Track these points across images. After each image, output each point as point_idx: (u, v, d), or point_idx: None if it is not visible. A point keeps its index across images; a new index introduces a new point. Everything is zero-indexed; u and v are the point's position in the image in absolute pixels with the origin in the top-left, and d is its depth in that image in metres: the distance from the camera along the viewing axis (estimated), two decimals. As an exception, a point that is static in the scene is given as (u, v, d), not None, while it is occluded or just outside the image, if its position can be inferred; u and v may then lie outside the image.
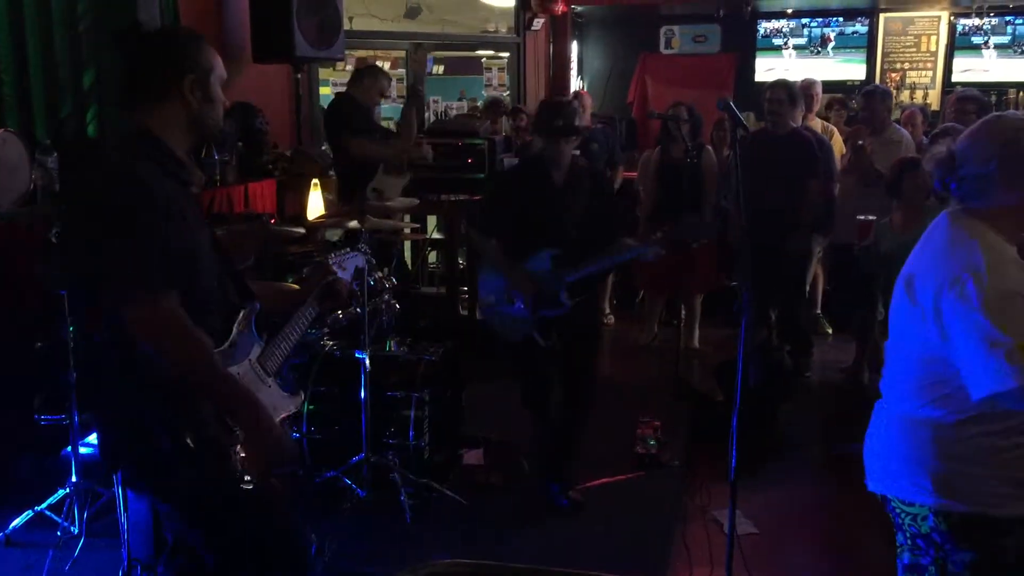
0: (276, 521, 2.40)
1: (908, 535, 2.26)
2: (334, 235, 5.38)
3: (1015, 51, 9.04)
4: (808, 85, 6.75)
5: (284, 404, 2.50)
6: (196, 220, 2.28)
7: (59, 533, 3.71)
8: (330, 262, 2.77)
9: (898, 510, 2.29)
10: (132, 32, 2.30)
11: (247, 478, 2.23)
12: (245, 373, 2.35)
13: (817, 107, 7.01)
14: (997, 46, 9.06)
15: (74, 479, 3.79)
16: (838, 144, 6.61)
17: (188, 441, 2.16)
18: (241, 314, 2.37)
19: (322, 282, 2.69)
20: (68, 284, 2.25)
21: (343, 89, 6.12)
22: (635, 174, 6.93)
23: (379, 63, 11.14)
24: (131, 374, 2.17)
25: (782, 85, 6.03)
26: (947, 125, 5.63)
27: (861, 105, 6.02)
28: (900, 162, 4.92)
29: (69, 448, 3.81)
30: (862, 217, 4.93)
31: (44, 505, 3.80)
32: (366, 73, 5.88)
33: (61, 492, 3.81)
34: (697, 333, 6.68)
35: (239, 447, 2.23)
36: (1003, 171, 2.13)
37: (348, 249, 2.97)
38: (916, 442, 2.22)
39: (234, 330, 2.33)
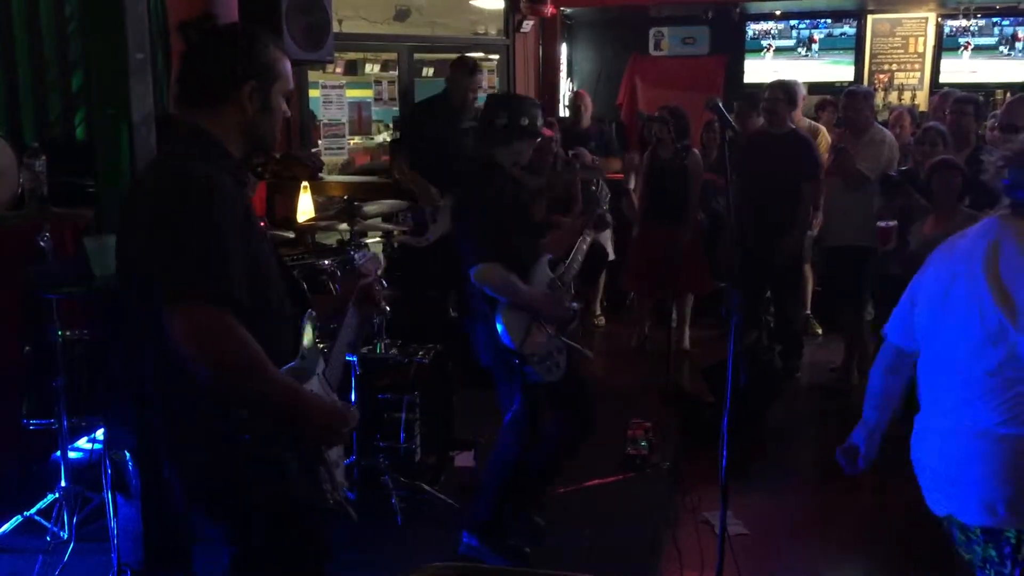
0: (318, 542, 2.31)
1: (996, 557, 2.16)
2: (329, 238, 5.37)
3: (1002, 52, 9.08)
4: (794, 86, 6.77)
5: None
6: (260, 228, 2.18)
7: (48, 538, 3.70)
8: (358, 265, 2.69)
9: (973, 535, 2.19)
10: (198, 25, 2.12)
11: (330, 500, 2.17)
12: (318, 388, 2.24)
13: (802, 107, 7.03)
14: (984, 47, 9.11)
15: (63, 484, 3.76)
16: (824, 145, 6.65)
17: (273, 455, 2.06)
18: (307, 326, 2.25)
19: (356, 288, 2.58)
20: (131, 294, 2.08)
21: (331, 91, 6.09)
22: (621, 176, 6.95)
23: (368, 66, 11.17)
24: (197, 398, 2.01)
25: (780, 85, 6.06)
26: (930, 124, 5.64)
27: (843, 105, 6.04)
28: (933, 164, 4.80)
29: (58, 453, 3.79)
30: (883, 224, 4.87)
31: (33, 510, 3.79)
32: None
33: (50, 497, 3.80)
34: (688, 334, 6.70)
35: (322, 468, 2.16)
36: None
37: (367, 249, 2.84)
38: (1003, 461, 2.13)
39: (304, 343, 2.22)
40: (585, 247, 3.77)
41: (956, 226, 4.24)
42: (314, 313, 2.31)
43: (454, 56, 6.09)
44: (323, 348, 2.41)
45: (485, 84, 9.58)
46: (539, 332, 3.49)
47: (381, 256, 2.90)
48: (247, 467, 2.06)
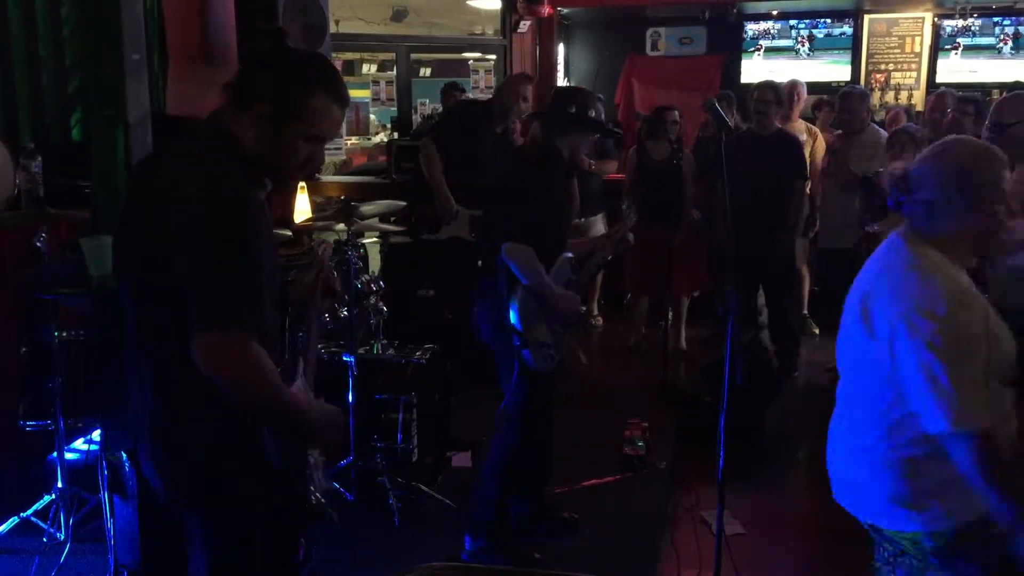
0: (289, 539, 2.35)
1: (915, 555, 2.20)
2: (326, 239, 5.37)
3: (999, 52, 9.09)
4: (792, 86, 6.78)
5: None
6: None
7: (45, 539, 3.69)
8: (319, 252, 2.67)
9: (896, 538, 2.23)
10: (265, 34, 2.15)
11: (312, 499, 2.23)
12: (300, 388, 2.31)
13: (801, 108, 7.04)
14: (981, 47, 9.12)
15: (60, 485, 3.76)
16: (821, 146, 6.65)
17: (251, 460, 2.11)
18: (290, 329, 2.33)
19: (320, 279, 2.58)
20: (136, 294, 2.10)
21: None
22: (623, 176, 6.94)
23: (366, 66, 11.17)
24: (197, 395, 2.04)
25: (769, 86, 6.07)
26: (906, 126, 5.66)
27: (839, 107, 6.05)
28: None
29: (55, 454, 3.79)
30: (871, 228, 4.88)
31: (30, 512, 3.78)
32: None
33: (47, 498, 3.79)
34: (684, 334, 6.71)
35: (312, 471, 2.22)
36: (958, 198, 2.11)
37: (322, 239, 2.84)
38: (893, 476, 2.18)
39: (288, 346, 2.31)
40: (602, 261, 3.97)
41: None
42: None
43: (452, 56, 6.09)
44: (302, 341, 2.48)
45: (482, 84, 9.61)
46: (546, 323, 3.52)
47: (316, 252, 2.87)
48: (236, 463, 2.11)
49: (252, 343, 1.96)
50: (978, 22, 9.06)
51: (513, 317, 3.44)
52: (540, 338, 3.50)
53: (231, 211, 1.99)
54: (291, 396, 2.12)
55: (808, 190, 6.16)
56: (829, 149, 6.03)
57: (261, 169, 2.13)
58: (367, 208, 4.36)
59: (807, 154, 6.27)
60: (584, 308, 3.84)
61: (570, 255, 3.68)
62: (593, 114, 3.64)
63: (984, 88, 8.55)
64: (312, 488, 2.23)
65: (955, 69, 9.17)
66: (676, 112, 6.40)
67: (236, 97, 2.10)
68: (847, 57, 9.51)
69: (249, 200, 2.02)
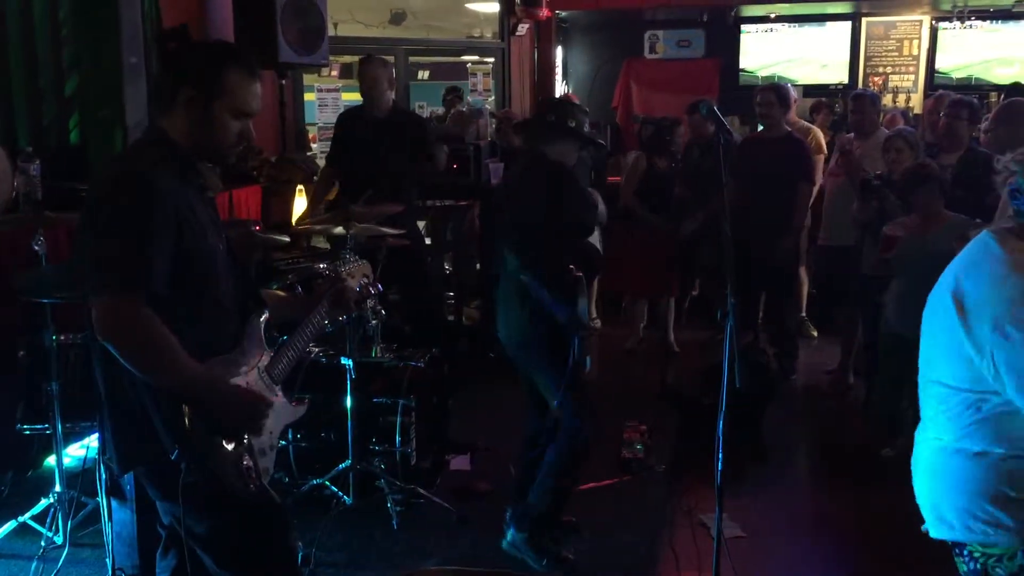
0: (276, 531, 2.40)
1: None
2: (324, 241, 5.37)
3: (995, 53, 9.11)
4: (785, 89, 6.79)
5: (289, 412, 2.51)
6: (211, 225, 2.29)
7: (43, 543, 3.68)
8: (340, 270, 2.74)
9: (976, 554, 2.14)
10: (169, 35, 2.34)
11: (250, 485, 2.22)
12: (254, 381, 2.34)
13: (795, 110, 7.04)
14: (978, 49, 9.14)
15: (58, 489, 3.75)
16: (816, 144, 6.66)
17: (188, 441, 2.14)
18: (251, 321, 2.37)
19: (331, 290, 2.65)
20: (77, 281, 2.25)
21: (327, 95, 6.09)
22: (619, 178, 6.94)
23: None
24: (129, 373, 2.15)
25: (771, 88, 6.08)
26: (900, 129, 5.65)
27: (851, 108, 6.04)
28: (911, 171, 4.77)
29: (53, 458, 3.78)
30: (889, 230, 4.82)
31: (28, 515, 3.77)
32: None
33: (45, 502, 3.78)
34: (672, 335, 6.66)
35: (245, 455, 2.22)
36: None
37: (356, 256, 2.88)
38: (979, 480, 2.10)
39: (244, 337, 2.34)
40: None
41: (941, 231, 4.26)
42: (267, 312, 2.43)
43: (450, 59, 6.08)
44: (278, 341, 2.48)
45: (480, 87, 9.62)
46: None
47: (369, 267, 2.93)
48: (171, 447, 2.15)
49: (137, 308, 2.07)
50: (975, 24, 9.08)
51: (583, 313, 3.46)
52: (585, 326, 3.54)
53: (117, 184, 2.16)
54: (188, 366, 2.12)
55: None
56: (840, 150, 6.02)
57: (199, 156, 2.30)
58: (364, 211, 4.35)
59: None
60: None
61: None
62: (573, 124, 3.58)
63: (982, 90, 8.57)
64: (250, 475, 2.22)
65: (953, 71, 9.19)
66: (682, 128, 6.43)
67: (159, 94, 2.30)
68: (845, 60, 9.52)
69: (143, 176, 2.13)
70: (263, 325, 2.41)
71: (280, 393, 2.45)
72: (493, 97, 9.60)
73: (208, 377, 2.17)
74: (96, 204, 2.17)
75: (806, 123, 7.07)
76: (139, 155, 2.24)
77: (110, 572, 3.37)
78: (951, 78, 9.15)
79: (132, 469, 2.35)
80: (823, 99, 8.25)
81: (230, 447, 2.21)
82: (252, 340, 2.37)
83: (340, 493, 4.02)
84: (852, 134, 6.06)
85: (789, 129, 6.05)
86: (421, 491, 4.11)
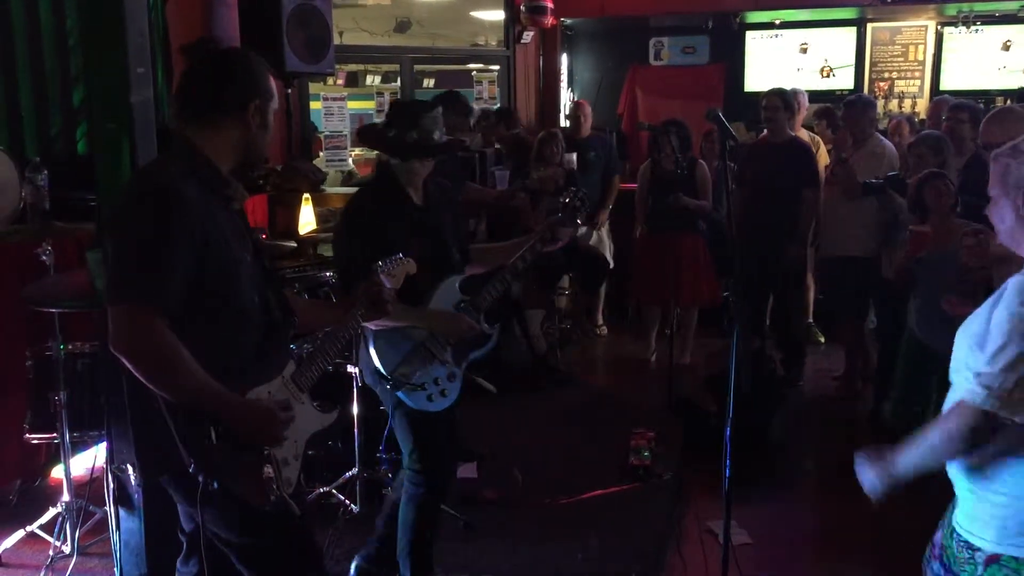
0: (299, 542, 2.41)
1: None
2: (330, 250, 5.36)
3: (1001, 59, 9.09)
4: (793, 95, 6.76)
5: (316, 420, 2.49)
6: (238, 237, 2.28)
7: (51, 552, 3.69)
8: (379, 270, 2.64)
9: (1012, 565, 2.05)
10: (202, 47, 2.31)
11: (271, 497, 2.21)
12: (277, 390, 2.32)
13: (803, 117, 7.02)
14: (984, 54, 9.11)
15: (66, 498, 3.76)
16: (823, 155, 6.63)
17: (204, 454, 2.12)
18: (276, 332, 2.35)
19: (368, 293, 2.60)
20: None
21: (333, 103, 6.08)
22: (634, 185, 6.91)
23: (369, 77, 11.19)
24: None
25: (777, 93, 6.04)
26: (928, 132, 5.61)
27: (843, 116, 6.01)
28: (921, 178, 4.72)
29: (61, 467, 3.79)
30: (914, 228, 4.77)
31: (36, 525, 3.78)
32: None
33: (53, 511, 3.79)
34: (691, 347, 6.62)
35: (265, 466, 2.21)
36: None
37: (400, 255, 2.73)
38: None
39: (269, 347, 2.32)
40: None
41: (955, 241, 4.23)
42: (294, 321, 2.43)
43: (454, 67, 6.09)
44: (306, 349, 2.47)
45: (486, 95, 9.62)
46: (416, 361, 3.22)
47: (414, 265, 2.80)
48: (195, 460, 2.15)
49: (151, 319, 2.06)
50: (981, 29, 9.06)
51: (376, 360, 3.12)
52: (409, 378, 3.16)
53: (143, 196, 2.17)
54: (198, 379, 2.10)
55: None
56: (834, 158, 6.00)
57: (246, 166, 2.35)
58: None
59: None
60: (484, 327, 3.29)
61: (458, 277, 3.30)
62: (414, 136, 3.12)
63: (988, 96, 8.55)
64: (271, 486, 2.21)
65: (959, 76, 9.17)
66: (680, 126, 6.39)
67: (204, 112, 2.26)
68: (850, 66, 9.51)
69: (170, 188, 2.13)
70: (287, 335, 2.40)
71: (307, 400, 2.43)
72: (498, 105, 9.61)
73: (218, 390, 2.14)
74: (119, 215, 2.22)
75: (809, 135, 7.00)
76: (165, 168, 2.24)
77: (118, 581, 3.37)
78: (957, 84, 9.12)
79: (157, 478, 2.35)
80: (828, 105, 8.23)
81: (248, 459, 2.19)
82: (277, 351, 2.36)
83: (347, 501, 4.01)
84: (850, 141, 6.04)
85: (793, 134, 6.03)
86: (428, 499, 4.10)
